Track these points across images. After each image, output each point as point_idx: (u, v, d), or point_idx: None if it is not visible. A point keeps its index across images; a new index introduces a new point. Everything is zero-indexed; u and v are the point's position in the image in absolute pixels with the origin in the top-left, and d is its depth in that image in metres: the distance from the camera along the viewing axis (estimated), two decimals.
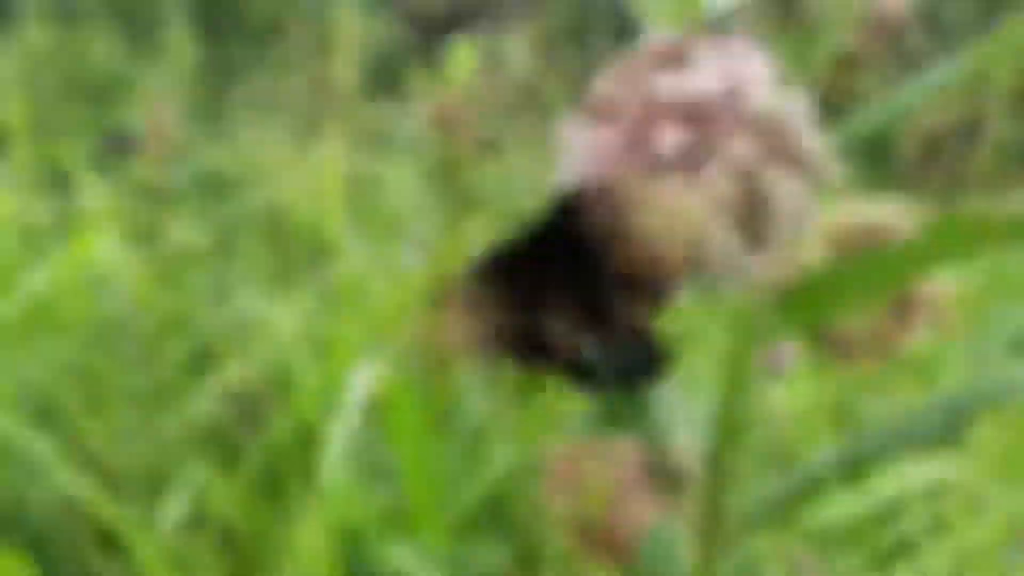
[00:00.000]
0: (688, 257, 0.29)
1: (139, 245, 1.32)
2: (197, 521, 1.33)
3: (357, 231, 2.45)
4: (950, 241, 0.28)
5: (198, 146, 3.11)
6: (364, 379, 0.80)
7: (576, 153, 0.32)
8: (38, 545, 1.22)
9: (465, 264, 0.37)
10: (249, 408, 1.64)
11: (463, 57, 1.21)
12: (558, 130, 0.32)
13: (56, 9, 6.42)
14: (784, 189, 0.30)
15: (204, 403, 1.41)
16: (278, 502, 1.42)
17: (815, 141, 0.30)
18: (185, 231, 1.36)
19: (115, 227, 1.29)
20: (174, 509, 1.20)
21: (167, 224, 1.30)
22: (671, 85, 0.30)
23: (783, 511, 0.41)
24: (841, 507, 1.04)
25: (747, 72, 0.30)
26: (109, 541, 1.30)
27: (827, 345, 0.43)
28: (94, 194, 2.14)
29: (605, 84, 0.32)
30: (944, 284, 0.39)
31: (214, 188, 2.88)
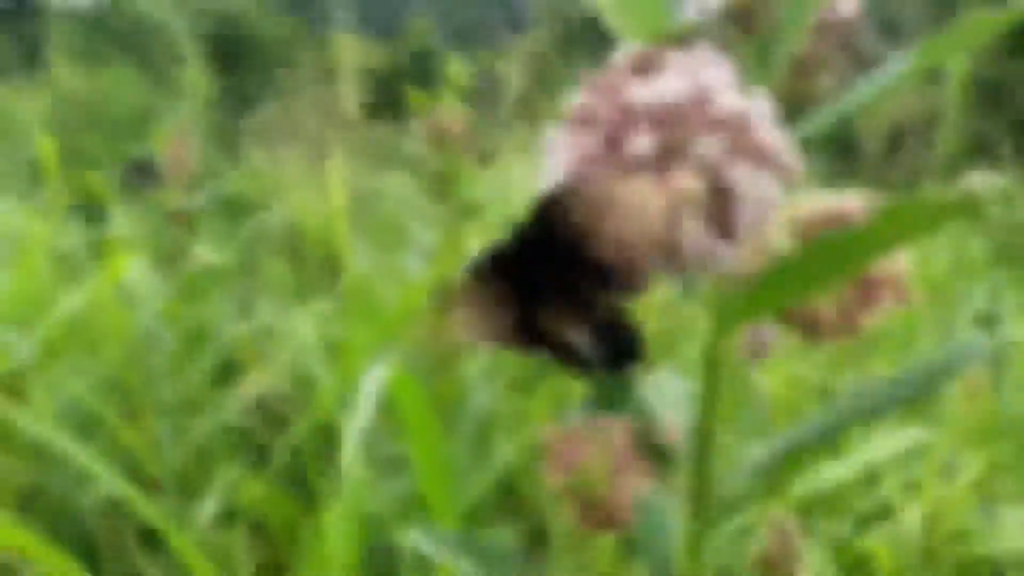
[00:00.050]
0: (656, 251, 0.30)
1: (165, 266, 1.33)
2: (230, 517, 1.34)
3: (365, 242, 2.46)
4: (902, 223, 0.28)
5: (217, 171, 3.12)
6: (375, 379, 0.80)
7: (558, 158, 0.32)
8: (87, 545, 1.22)
9: (465, 266, 0.38)
10: (273, 411, 1.64)
11: (457, 75, 1.21)
12: (542, 138, 0.32)
13: (82, 51, 6.45)
14: (749, 183, 0.30)
15: (232, 409, 1.41)
16: (303, 495, 1.42)
17: (778, 138, 0.31)
18: (208, 251, 1.36)
19: (143, 250, 1.30)
20: (208, 507, 1.20)
21: (191, 245, 1.30)
22: (643, 92, 0.30)
23: (768, 476, 0.41)
24: (823, 475, 1.04)
25: (712, 78, 0.30)
26: (151, 539, 1.31)
27: (797, 326, 0.43)
28: (122, 221, 2.15)
29: (583, 94, 0.32)
30: (903, 264, 0.39)
31: (233, 210, 2.89)
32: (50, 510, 1.28)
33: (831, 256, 0.31)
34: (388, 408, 1.22)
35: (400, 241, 2.42)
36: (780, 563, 0.49)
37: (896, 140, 4.32)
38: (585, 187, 0.31)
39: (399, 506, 1.21)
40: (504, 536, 1.26)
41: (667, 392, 0.53)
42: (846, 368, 1.72)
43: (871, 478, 1.15)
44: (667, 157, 0.30)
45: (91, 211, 2.91)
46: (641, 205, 0.29)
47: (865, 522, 1.17)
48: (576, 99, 0.32)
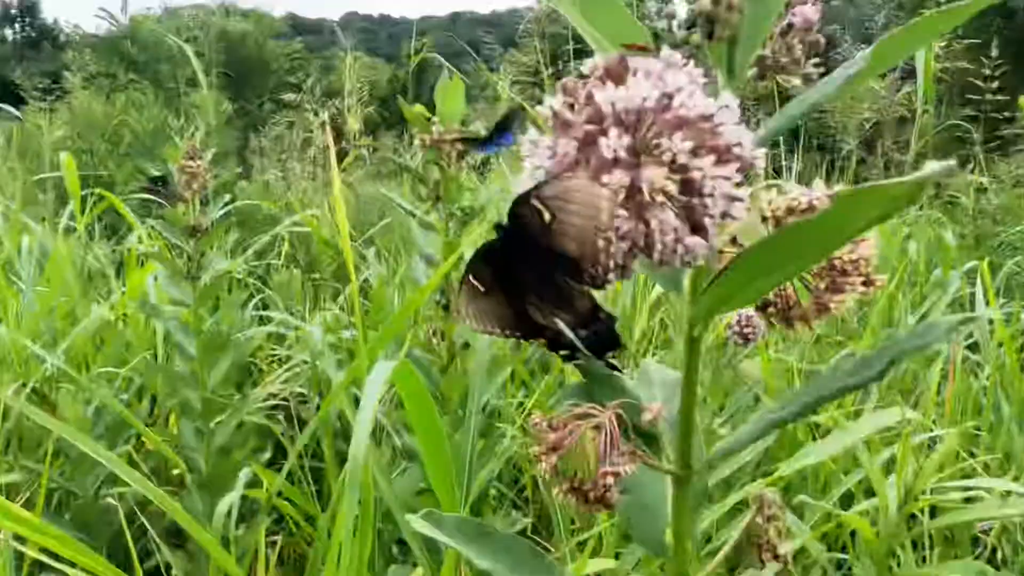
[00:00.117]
0: (611, 243, 0.30)
1: (185, 277, 1.34)
2: (252, 512, 1.34)
3: (373, 249, 2.46)
4: (859, 208, 0.28)
5: (231, 186, 3.13)
6: (381, 371, 0.80)
7: (536, 160, 0.32)
8: (116, 541, 1.22)
9: (464, 266, 0.39)
10: (290, 410, 1.64)
11: (452, 90, 1.21)
12: (523, 141, 0.33)
13: (100, 75, 6.44)
14: (716, 179, 0.30)
15: (251, 410, 1.41)
16: (322, 490, 1.43)
17: (742, 136, 0.31)
18: (224, 262, 1.37)
19: (162, 263, 1.30)
20: (231, 503, 1.20)
21: (208, 257, 1.30)
22: (613, 97, 0.30)
23: (752, 448, 0.41)
24: (808, 455, 1.04)
25: (678, 81, 0.31)
26: (177, 535, 1.31)
27: (774, 313, 0.44)
28: (142, 236, 2.16)
29: (557, 100, 0.32)
30: (869, 250, 0.39)
31: (247, 222, 2.90)
32: (81, 511, 1.28)
33: (797, 243, 0.31)
34: (400, 405, 1.22)
35: (406, 248, 2.43)
36: (765, 538, 0.49)
37: (872, 138, 4.32)
38: (548, 186, 0.32)
39: (411, 497, 1.22)
40: (509, 523, 1.26)
41: (655, 380, 0.53)
42: (831, 354, 1.72)
43: (856, 460, 1.15)
44: (636, 156, 0.30)
45: (112, 227, 2.91)
46: (593, 201, 0.30)
47: (850, 499, 1.18)
48: (552, 105, 0.32)
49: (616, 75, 0.31)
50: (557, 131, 0.32)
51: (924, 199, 3.39)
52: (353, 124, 3.77)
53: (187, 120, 3.51)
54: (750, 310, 0.96)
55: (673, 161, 0.30)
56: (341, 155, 3.83)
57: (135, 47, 6.92)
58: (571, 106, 0.32)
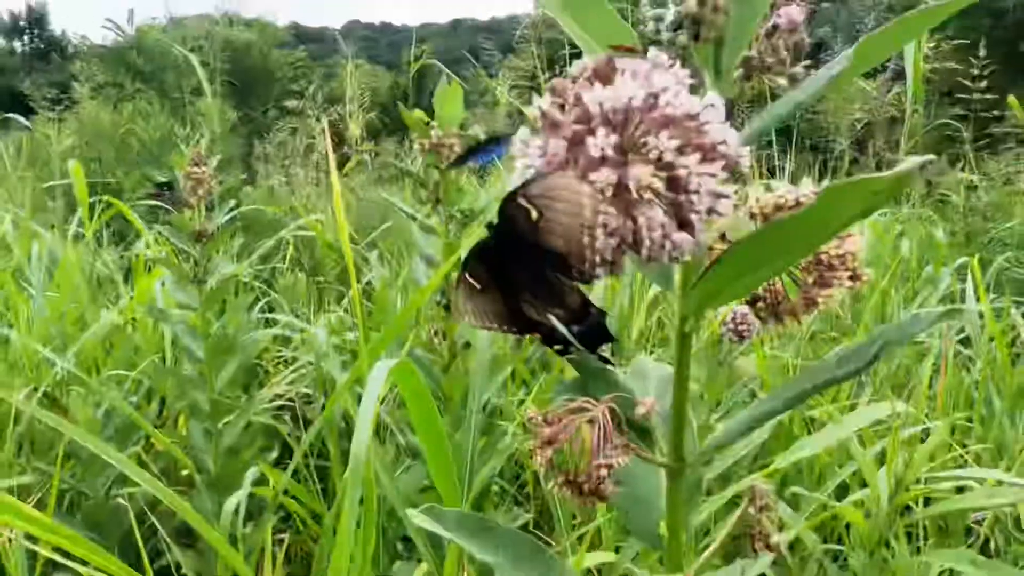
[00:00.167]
0: (596, 239, 0.30)
1: (192, 281, 1.34)
2: (260, 511, 1.34)
3: (376, 252, 2.47)
4: (841, 202, 0.29)
5: (235, 192, 3.13)
6: (381, 368, 0.80)
7: (528, 160, 0.32)
8: (127, 541, 1.23)
9: (460, 264, 0.39)
10: (296, 411, 1.65)
11: (451, 95, 1.22)
12: (514, 141, 0.33)
13: (107, 85, 6.45)
14: (701, 176, 0.30)
15: (258, 411, 1.41)
16: (327, 488, 1.43)
17: (727, 134, 0.31)
18: (230, 266, 1.37)
19: (170, 267, 1.30)
20: (239, 502, 1.20)
21: (214, 261, 1.31)
22: (600, 96, 0.31)
23: (748, 442, 0.41)
24: (802, 449, 1.04)
25: (664, 81, 0.31)
26: (186, 535, 1.31)
27: (763, 309, 0.44)
28: (149, 241, 2.16)
29: (547, 101, 0.32)
30: (855, 246, 0.39)
31: (252, 227, 2.90)
32: (92, 511, 1.28)
33: (784, 237, 0.31)
34: (403, 404, 1.22)
35: (408, 250, 2.43)
36: (757, 528, 0.49)
37: (864, 138, 4.32)
38: (534, 185, 0.32)
39: (415, 494, 1.22)
40: (511, 518, 1.26)
41: (650, 375, 0.53)
42: (825, 351, 1.72)
43: (850, 453, 1.15)
44: (623, 154, 0.30)
45: (120, 234, 2.92)
46: (577, 199, 0.30)
47: (845, 492, 1.17)
48: (541, 106, 0.32)
49: (604, 76, 0.31)
50: (547, 131, 0.32)
51: (918, 198, 3.39)
52: (354, 129, 3.77)
53: (193, 128, 3.51)
54: (745, 308, 0.96)
55: (659, 159, 0.30)
56: (343, 160, 3.84)
57: (141, 57, 6.93)
58: (561, 106, 0.32)
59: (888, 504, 0.84)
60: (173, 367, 1.61)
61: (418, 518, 0.49)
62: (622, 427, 0.38)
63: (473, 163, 1.17)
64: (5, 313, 1.74)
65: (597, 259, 0.31)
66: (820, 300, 0.40)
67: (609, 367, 0.42)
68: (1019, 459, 1.25)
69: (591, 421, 0.37)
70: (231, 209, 1.86)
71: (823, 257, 0.39)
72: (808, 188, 0.40)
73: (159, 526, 1.15)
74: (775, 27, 0.39)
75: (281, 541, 1.32)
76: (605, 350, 0.39)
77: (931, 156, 0.26)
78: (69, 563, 0.85)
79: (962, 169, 3.34)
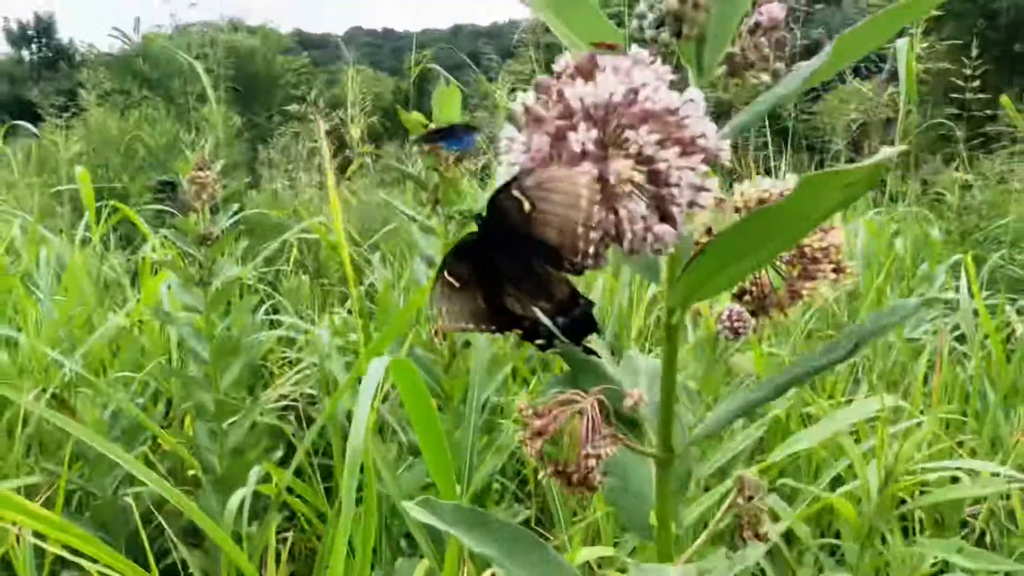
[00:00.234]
0: (592, 230, 0.30)
1: (197, 284, 1.34)
2: (264, 509, 1.34)
3: (378, 254, 2.47)
4: (820, 192, 0.29)
5: (240, 196, 3.14)
6: (378, 366, 0.80)
7: (513, 157, 0.33)
8: (133, 540, 1.23)
9: (443, 259, 0.39)
10: (300, 411, 1.65)
11: (449, 97, 1.22)
12: (500, 137, 0.33)
13: (114, 92, 6.46)
14: (681, 168, 0.30)
15: (263, 411, 1.42)
16: (330, 487, 1.43)
17: (707, 127, 0.31)
18: (234, 269, 1.37)
19: (176, 270, 1.31)
20: (244, 501, 1.21)
21: (219, 264, 1.31)
22: (582, 93, 0.31)
23: (745, 436, 0.41)
24: (796, 443, 1.04)
25: (645, 77, 0.31)
26: (192, 533, 1.32)
27: (750, 302, 0.44)
28: (155, 245, 2.17)
29: (530, 97, 0.33)
30: (838, 239, 0.40)
31: (256, 230, 2.91)
32: (99, 511, 1.29)
33: (765, 228, 0.31)
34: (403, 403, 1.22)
35: (410, 251, 2.43)
36: (748, 519, 0.49)
37: (860, 138, 4.32)
38: (528, 177, 0.32)
39: (417, 491, 1.22)
40: (511, 514, 1.26)
41: (641, 368, 0.53)
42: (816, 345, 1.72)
43: (841, 446, 1.15)
44: (604, 149, 0.30)
45: (127, 238, 2.93)
46: (574, 190, 0.30)
47: (840, 485, 1.17)
48: (525, 102, 0.32)
49: (586, 72, 0.31)
50: (531, 127, 0.32)
51: (913, 197, 3.39)
52: (354, 133, 3.78)
53: (198, 133, 3.52)
54: (740, 306, 0.96)
55: (639, 153, 0.30)
56: (345, 164, 3.84)
57: (147, 64, 6.95)
58: (545, 103, 0.32)
59: (878, 495, 0.84)
60: (179, 368, 1.62)
61: (415, 511, 0.49)
62: (611, 418, 0.39)
63: (446, 148, 1.17)
64: (14, 316, 1.74)
65: (591, 250, 0.31)
66: (804, 292, 0.40)
67: (598, 360, 0.42)
68: (1013, 452, 1.25)
69: (580, 412, 0.37)
70: (235, 213, 1.87)
71: (807, 250, 0.39)
72: (792, 182, 0.40)
73: (165, 525, 1.15)
74: (757, 24, 0.39)
75: (285, 540, 1.32)
76: (591, 341, 0.40)
77: (904, 147, 0.26)
78: (77, 560, 0.85)
79: (956, 168, 3.34)
